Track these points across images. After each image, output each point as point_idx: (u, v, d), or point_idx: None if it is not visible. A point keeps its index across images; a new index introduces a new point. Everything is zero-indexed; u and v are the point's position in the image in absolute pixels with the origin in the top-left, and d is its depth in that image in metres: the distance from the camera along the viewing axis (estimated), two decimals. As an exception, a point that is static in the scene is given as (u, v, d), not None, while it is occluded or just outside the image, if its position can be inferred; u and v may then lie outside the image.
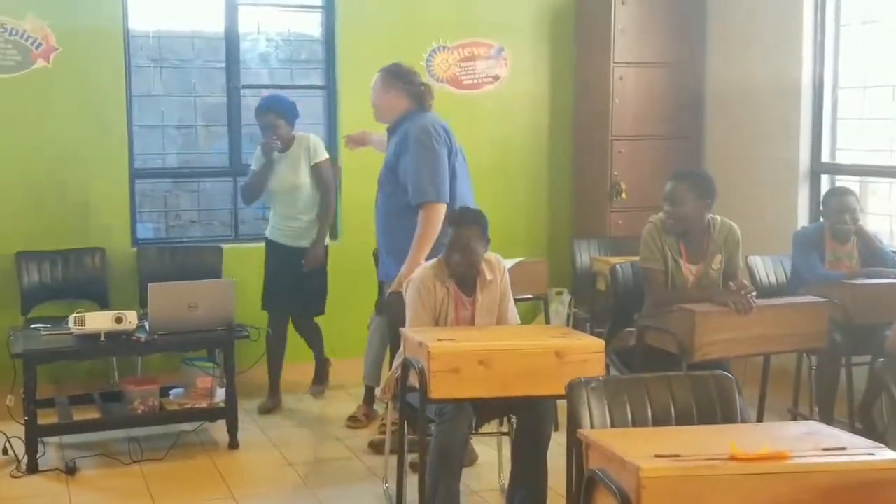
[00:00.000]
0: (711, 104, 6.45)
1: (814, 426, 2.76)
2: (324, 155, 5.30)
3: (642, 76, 6.32)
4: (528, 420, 3.60)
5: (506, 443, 4.01)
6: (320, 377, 5.62)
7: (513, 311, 3.95)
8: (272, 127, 5.18)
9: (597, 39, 6.35)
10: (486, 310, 3.85)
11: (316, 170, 5.25)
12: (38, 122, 5.53)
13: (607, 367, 4.00)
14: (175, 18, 6.07)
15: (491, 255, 3.89)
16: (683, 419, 2.82)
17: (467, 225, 3.79)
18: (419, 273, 3.85)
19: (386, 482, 4.13)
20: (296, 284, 5.26)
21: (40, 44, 5.51)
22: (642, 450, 2.39)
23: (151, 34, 6.00)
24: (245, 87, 6.07)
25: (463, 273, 3.79)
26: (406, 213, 4.37)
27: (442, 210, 4.30)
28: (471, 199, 4.53)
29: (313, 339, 5.55)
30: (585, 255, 5.80)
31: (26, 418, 4.35)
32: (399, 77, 4.61)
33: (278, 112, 5.20)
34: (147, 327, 4.56)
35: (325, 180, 5.29)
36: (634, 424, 2.81)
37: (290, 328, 5.49)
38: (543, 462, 3.59)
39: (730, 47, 6.27)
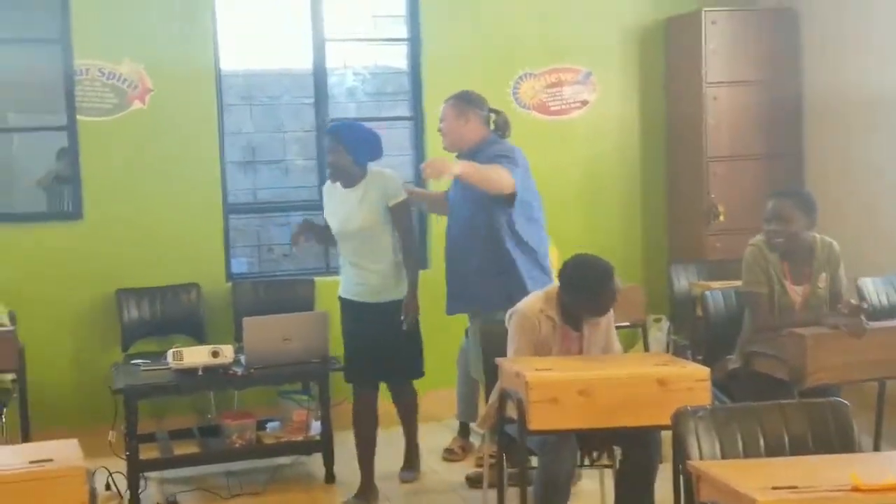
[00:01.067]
0: (810, 119, 6.25)
1: (941, 456, 2.61)
2: (403, 194, 4.48)
3: (736, 95, 6.17)
4: (636, 451, 3.49)
5: (608, 475, 3.89)
6: (412, 462, 4.83)
7: (617, 343, 3.85)
8: (329, 151, 4.51)
9: (688, 60, 6.23)
10: (593, 345, 3.74)
11: (395, 211, 4.42)
12: (135, 162, 5.65)
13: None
14: (264, 57, 6.16)
15: None
16: (798, 449, 2.70)
17: (611, 279, 3.62)
18: (524, 306, 3.72)
19: (485, 516, 4.05)
20: (386, 347, 4.42)
21: (136, 86, 5.64)
22: (757, 482, 2.30)
23: (241, 73, 6.10)
24: (333, 121, 6.12)
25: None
26: (494, 227, 4.40)
27: (511, 182, 4.31)
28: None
29: (409, 415, 4.75)
30: (683, 279, 5.65)
31: (128, 454, 4.41)
32: (473, 104, 4.60)
33: (338, 137, 4.45)
34: (243, 361, 4.59)
35: (406, 223, 4.48)
36: (746, 455, 2.70)
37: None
38: (651, 494, 3.47)
39: (826, 59, 6.07)
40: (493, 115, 4.64)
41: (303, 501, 4.45)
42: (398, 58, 6.34)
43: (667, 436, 2.97)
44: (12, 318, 4.93)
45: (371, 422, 4.43)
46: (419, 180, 5.73)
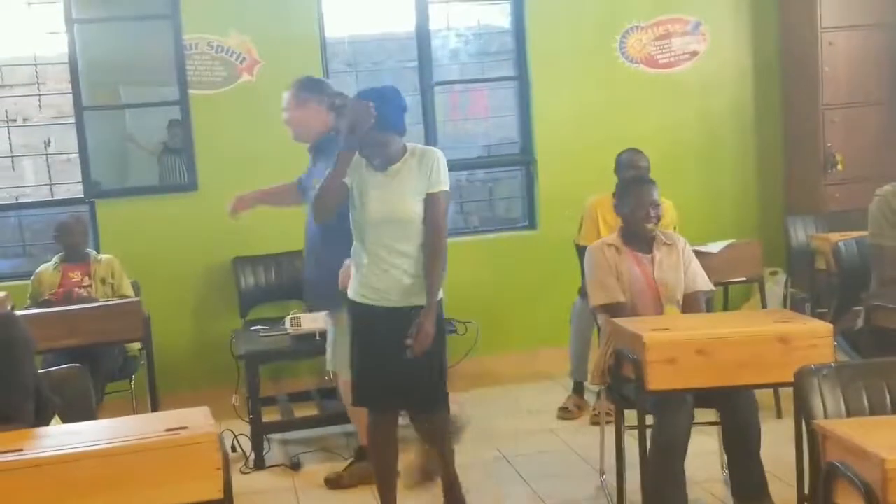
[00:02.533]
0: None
1: None
2: (447, 183, 3.48)
3: (853, 40, 5.93)
4: (729, 413, 3.47)
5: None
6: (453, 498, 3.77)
7: (703, 276, 3.84)
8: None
9: (802, 5, 6.00)
10: (667, 267, 3.78)
11: (431, 201, 3.44)
12: (246, 133, 5.76)
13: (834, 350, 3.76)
14: (367, 22, 6.19)
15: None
16: (926, 405, 2.61)
17: (650, 183, 3.85)
18: (592, 244, 3.93)
19: (603, 475, 4.05)
20: (402, 368, 3.43)
21: (244, 58, 5.74)
22: (885, 440, 2.24)
23: (347, 40, 6.14)
24: (438, 84, 6.11)
25: (649, 228, 3.79)
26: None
27: None
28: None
29: (436, 443, 3.71)
30: (801, 232, 5.51)
31: (251, 416, 4.54)
32: (312, 90, 4.33)
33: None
34: (358, 325, 4.65)
35: (439, 218, 3.44)
36: (872, 413, 2.64)
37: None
38: (755, 454, 3.44)
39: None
40: (337, 101, 4.09)
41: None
42: (502, 17, 6.29)
43: (788, 393, 2.91)
44: (136, 289, 5.13)
45: (390, 451, 3.67)
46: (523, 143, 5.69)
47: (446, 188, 3.44)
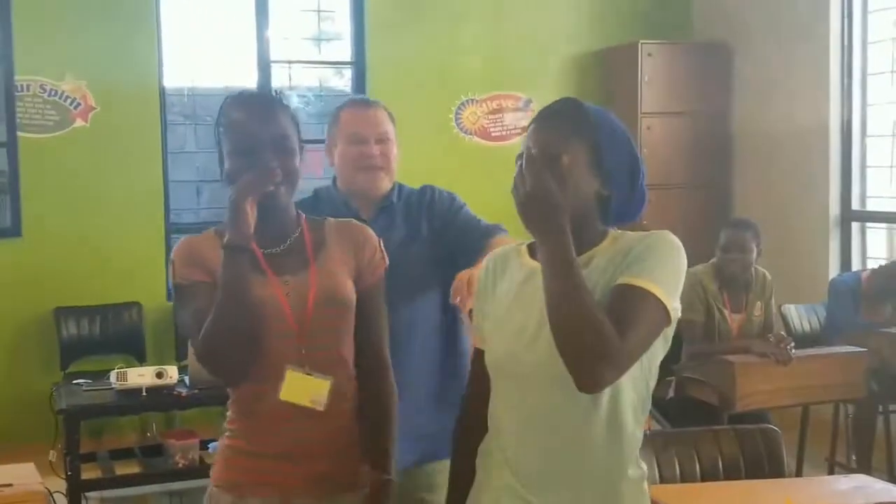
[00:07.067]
0: (739, 152, 6.49)
1: (863, 480, 2.78)
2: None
3: (669, 126, 6.38)
4: None
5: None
6: None
7: None
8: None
9: (624, 91, 6.42)
10: None
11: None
12: (75, 180, 5.62)
13: (646, 418, 4.00)
14: (209, 76, 6.19)
15: None
16: (731, 474, 2.83)
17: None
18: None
19: None
20: None
21: (79, 104, 5.62)
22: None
23: (186, 91, 6.12)
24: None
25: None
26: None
27: None
28: None
29: None
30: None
31: (69, 473, 4.38)
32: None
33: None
34: (187, 381, 4.60)
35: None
36: (683, 480, 2.82)
37: None
38: None
39: (756, 95, 6.33)
40: None
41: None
42: (343, 80, 6.42)
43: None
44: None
45: None
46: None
47: None
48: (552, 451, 1.80)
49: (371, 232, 2.22)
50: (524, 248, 1.94)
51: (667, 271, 1.76)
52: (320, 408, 2.02)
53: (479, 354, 1.95)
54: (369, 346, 2.16)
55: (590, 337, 1.64)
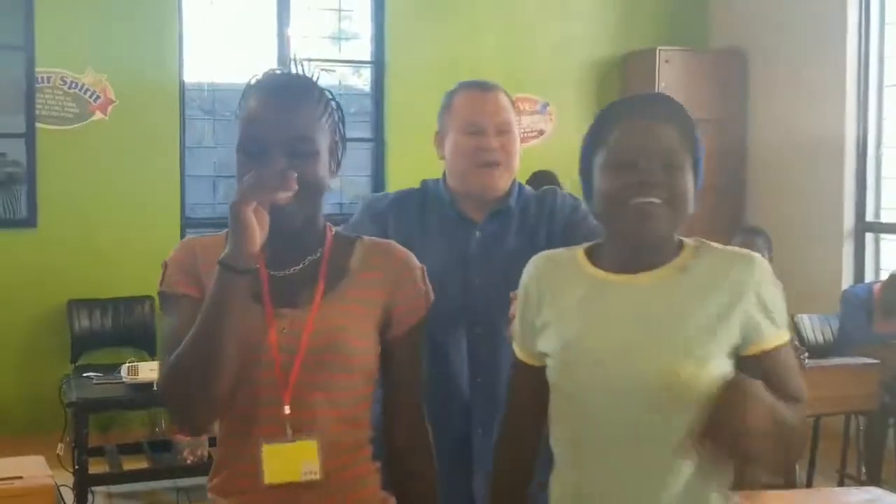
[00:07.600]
0: (754, 161, 6.48)
1: (876, 492, 2.76)
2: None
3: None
4: None
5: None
6: None
7: None
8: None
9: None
10: None
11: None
12: (92, 173, 5.64)
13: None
14: (229, 71, 6.20)
15: None
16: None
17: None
18: None
19: None
20: None
21: (98, 96, 5.64)
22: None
23: (206, 87, 6.13)
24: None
25: None
26: None
27: None
28: None
29: None
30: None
31: (77, 467, 4.38)
32: None
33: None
34: (198, 377, 4.60)
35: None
36: None
37: None
38: None
39: (772, 105, 6.31)
40: None
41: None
42: (362, 79, 6.43)
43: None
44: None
45: None
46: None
47: None
48: (632, 475, 1.63)
49: (414, 261, 1.73)
50: (581, 255, 1.76)
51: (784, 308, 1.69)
52: (317, 476, 1.61)
53: (523, 367, 1.78)
54: (398, 418, 1.70)
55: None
